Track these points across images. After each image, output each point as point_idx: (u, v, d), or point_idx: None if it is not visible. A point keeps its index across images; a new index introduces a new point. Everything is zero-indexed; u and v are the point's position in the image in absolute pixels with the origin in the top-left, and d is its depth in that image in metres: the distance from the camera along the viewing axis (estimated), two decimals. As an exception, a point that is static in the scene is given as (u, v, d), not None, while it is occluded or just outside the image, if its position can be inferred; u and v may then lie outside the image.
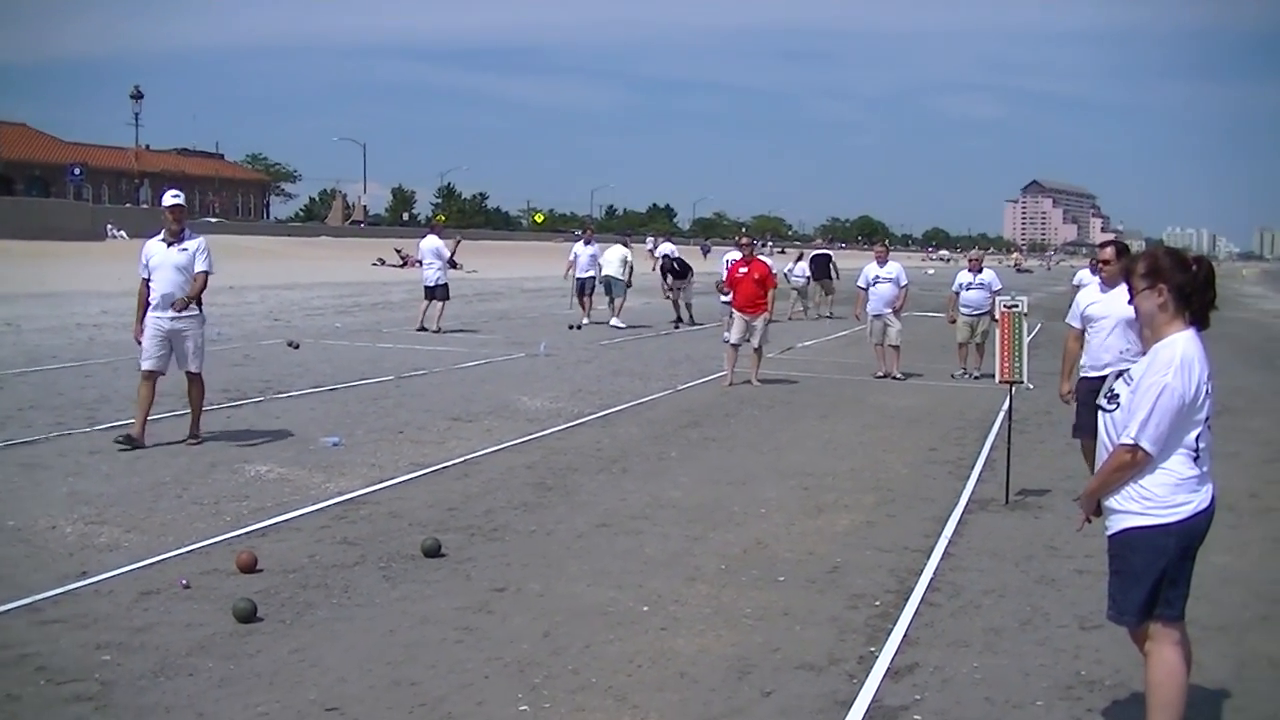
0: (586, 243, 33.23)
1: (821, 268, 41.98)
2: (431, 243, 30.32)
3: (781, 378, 21.52)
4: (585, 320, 31.71)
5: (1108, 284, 11.02)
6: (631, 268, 33.33)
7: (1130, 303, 6.02)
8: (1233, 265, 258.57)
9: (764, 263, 21.52)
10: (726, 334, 21.00)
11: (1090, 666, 7.37)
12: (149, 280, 13.42)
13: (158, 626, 7.56)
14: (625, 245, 34.72)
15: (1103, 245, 11.80)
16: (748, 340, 20.44)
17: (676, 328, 32.32)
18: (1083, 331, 11.37)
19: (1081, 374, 11.26)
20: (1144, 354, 10.08)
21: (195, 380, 13.61)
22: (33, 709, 6.22)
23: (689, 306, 34.27)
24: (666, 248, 39.60)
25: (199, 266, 13.46)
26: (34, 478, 11.51)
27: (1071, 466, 12.62)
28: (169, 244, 13.40)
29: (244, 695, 6.51)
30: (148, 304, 13.46)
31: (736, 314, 20.60)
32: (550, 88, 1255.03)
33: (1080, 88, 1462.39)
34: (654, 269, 35.05)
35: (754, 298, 20.42)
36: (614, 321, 31.69)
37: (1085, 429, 10.81)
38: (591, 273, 32.74)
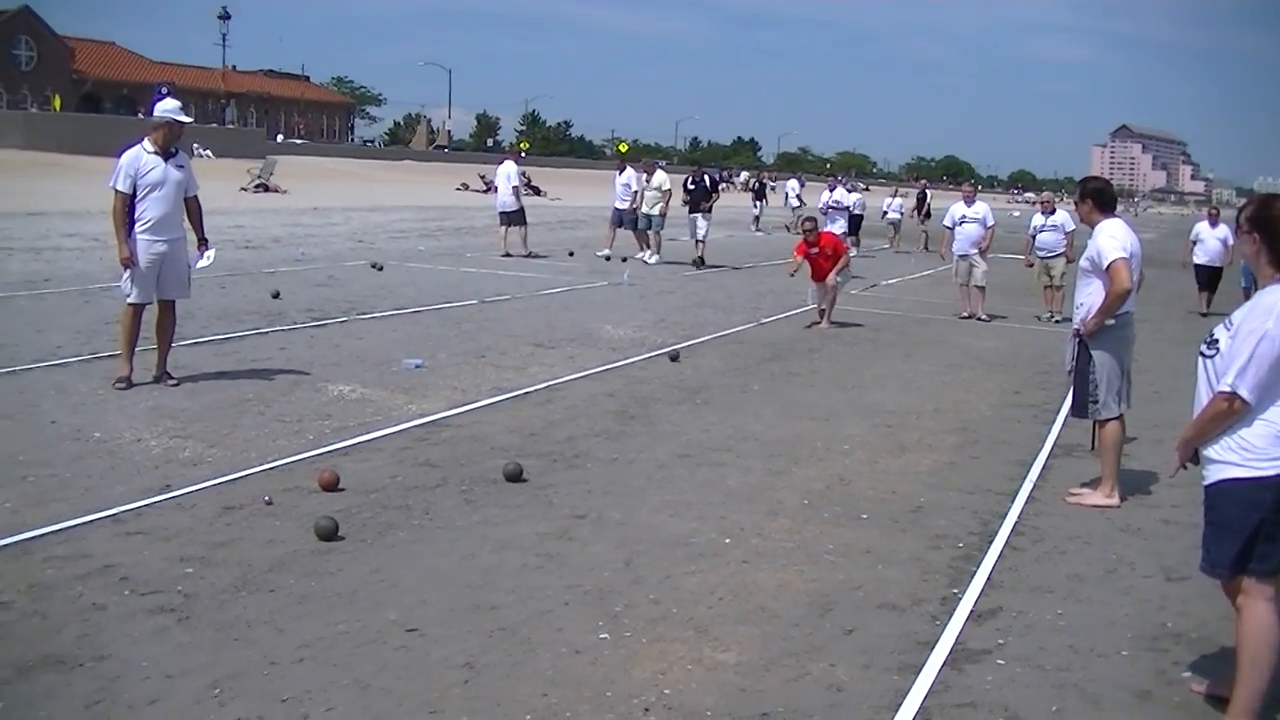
0: (621, 171, 31.80)
1: (921, 203, 45.08)
2: (507, 168, 30.39)
3: (865, 315, 21.37)
4: (607, 251, 30.46)
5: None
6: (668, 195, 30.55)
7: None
8: None
9: (832, 235, 21.21)
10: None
11: (1176, 619, 7.23)
12: (135, 197, 11.80)
13: (239, 542, 7.58)
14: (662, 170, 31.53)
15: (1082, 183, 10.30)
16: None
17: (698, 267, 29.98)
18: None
19: None
20: (1094, 310, 9.66)
21: (173, 310, 12.39)
22: (116, 618, 6.24)
23: (701, 244, 30.91)
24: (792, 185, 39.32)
25: (192, 190, 12.21)
26: (119, 390, 11.59)
27: (1158, 415, 12.43)
28: (164, 159, 11.92)
29: (324, 613, 6.51)
30: (131, 223, 11.89)
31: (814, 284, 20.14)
32: (638, 17, 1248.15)
33: (1173, 32, 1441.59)
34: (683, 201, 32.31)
35: (828, 271, 19.91)
36: (646, 257, 30.20)
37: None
38: (626, 203, 30.92)
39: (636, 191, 30.59)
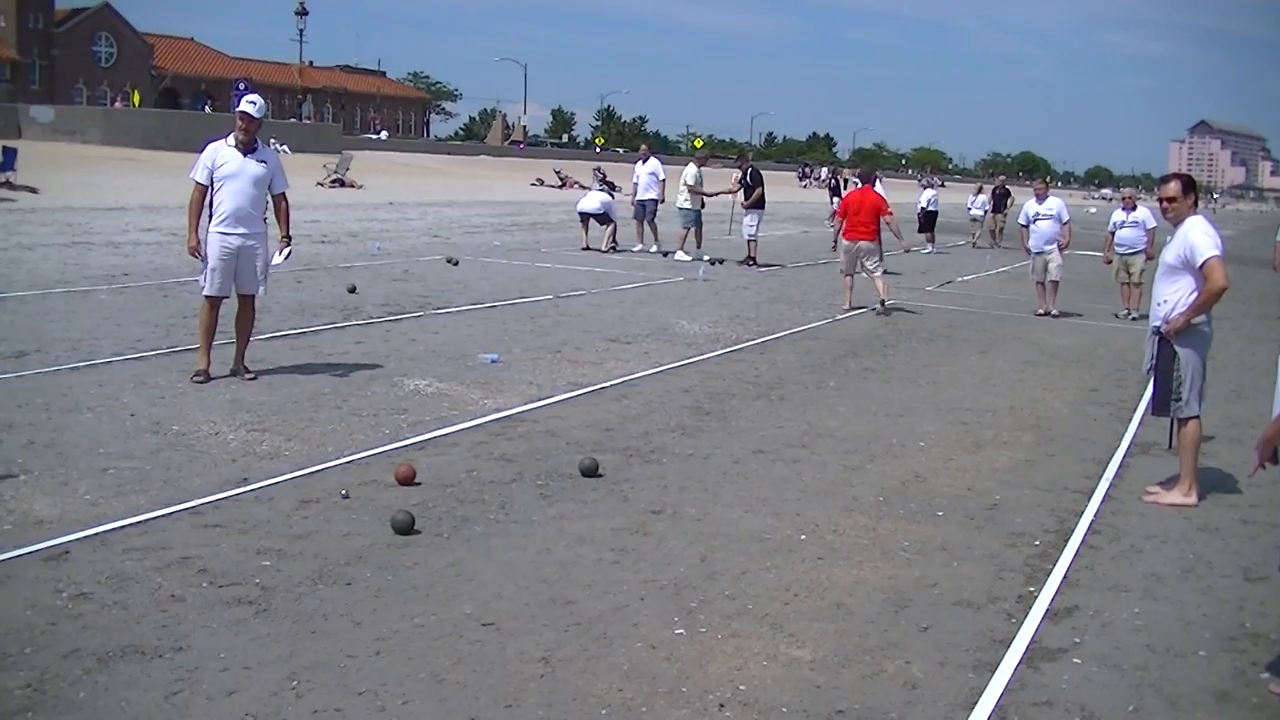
0: (644, 161, 31.24)
1: (1000, 200, 43.94)
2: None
3: (940, 311, 21.38)
4: (640, 246, 30.12)
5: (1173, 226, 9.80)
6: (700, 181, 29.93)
7: None
8: None
9: (871, 192, 21.45)
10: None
11: (1255, 619, 7.16)
12: (212, 189, 11.87)
13: (317, 535, 7.63)
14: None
15: (1165, 180, 9.95)
16: (862, 269, 20.74)
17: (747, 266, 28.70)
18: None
19: None
20: (1180, 307, 9.52)
21: (251, 305, 12.36)
22: (195, 609, 6.30)
23: (751, 242, 29.20)
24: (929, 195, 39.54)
25: (278, 187, 12.23)
26: (197, 384, 11.67)
27: (1237, 414, 12.29)
28: (243, 153, 11.93)
29: (400, 606, 6.54)
30: (202, 215, 11.98)
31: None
32: (714, 11, 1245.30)
33: (1253, 26, 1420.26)
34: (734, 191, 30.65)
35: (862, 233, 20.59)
36: (678, 254, 28.79)
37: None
38: (652, 195, 30.40)
39: (664, 181, 30.34)
